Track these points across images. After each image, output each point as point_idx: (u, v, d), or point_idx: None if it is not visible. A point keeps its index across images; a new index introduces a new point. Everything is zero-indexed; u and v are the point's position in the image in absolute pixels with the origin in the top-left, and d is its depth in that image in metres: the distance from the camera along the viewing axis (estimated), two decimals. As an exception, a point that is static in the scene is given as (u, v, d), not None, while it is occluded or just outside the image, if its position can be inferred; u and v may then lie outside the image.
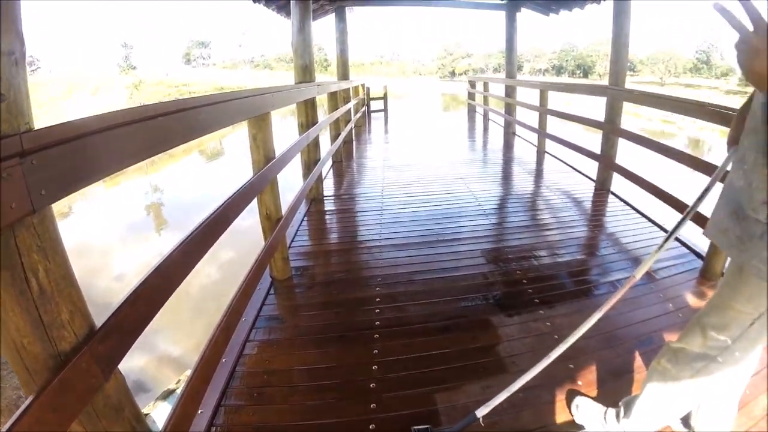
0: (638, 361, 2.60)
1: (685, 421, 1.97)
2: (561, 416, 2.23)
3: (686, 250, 4.03)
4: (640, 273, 1.81)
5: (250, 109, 2.84)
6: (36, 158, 1.02)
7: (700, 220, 3.36)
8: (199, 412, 2.19)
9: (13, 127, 0.99)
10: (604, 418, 2.07)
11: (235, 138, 25.37)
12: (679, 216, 3.90)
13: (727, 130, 1.99)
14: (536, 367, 1.90)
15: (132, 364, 5.77)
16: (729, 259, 1.55)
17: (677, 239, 4.23)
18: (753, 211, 1.28)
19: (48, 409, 1.02)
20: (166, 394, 4.90)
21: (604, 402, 2.18)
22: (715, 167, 3.37)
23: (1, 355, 1.05)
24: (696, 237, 3.93)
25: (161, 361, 6.11)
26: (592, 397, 2.27)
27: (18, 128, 1.01)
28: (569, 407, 2.25)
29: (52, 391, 1.02)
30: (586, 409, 2.17)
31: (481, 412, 1.96)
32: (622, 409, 2.00)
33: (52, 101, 43.23)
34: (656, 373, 1.77)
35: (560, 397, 2.32)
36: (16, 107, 1.01)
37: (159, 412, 4.60)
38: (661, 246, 1.79)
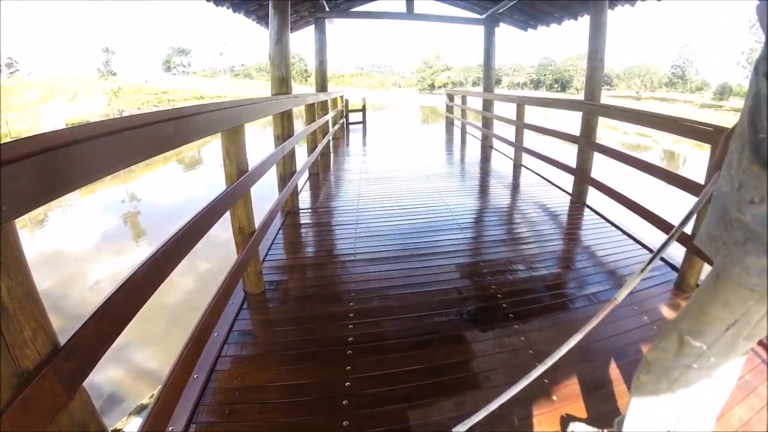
0: (614, 375, 2.61)
1: None
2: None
3: (661, 262, 4.07)
4: (621, 295, 1.82)
5: (222, 122, 2.80)
6: (-2, 173, 0.99)
7: (680, 237, 3.43)
8: (169, 429, 2.15)
9: (-26, 142, 0.97)
10: None
11: (215, 147, 25.33)
12: (655, 231, 3.98)
13: (702, 144, 2.03)
14: (516, 386, 1.89)
15: (105, 376, 5.68)
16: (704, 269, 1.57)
17: (651, 251, 4.28)
18: (739, 211, 1.30)
19: (11, 428, 1.00)
20: (140, 409, 4.83)
21: (595, 422, 2.18)
22: (690, 181, 3.46)
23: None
24: (671, 249, 3.95)
25: (136, 374, 6.02)
26: (584, 420, 2.26)
27: (-21, 143, 0.99)
28: (563, 428, 2.24)
29: (14, 410, 1.01)
30: None
31: (457, 429, 1.96)
32: (615, 428, 2.01)
33: (29, 105, 42.85)
34: (636, 389, 1.80)
35: (536, 413, 2.31)
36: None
37: (132, 428, 4.53)
38: (644, 269, 1.80)
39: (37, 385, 1.08)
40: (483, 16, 11.53)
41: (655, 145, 32.00)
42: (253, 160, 3.36)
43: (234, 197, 2.93)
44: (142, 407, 4.86)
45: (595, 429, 2.13)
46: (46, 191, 1.18)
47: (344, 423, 2.27)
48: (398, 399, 2.43)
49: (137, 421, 4.64)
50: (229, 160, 3.08)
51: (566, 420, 2.29)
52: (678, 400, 1.68)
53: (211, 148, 26.00)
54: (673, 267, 3.94)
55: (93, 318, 1.31)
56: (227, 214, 2.91)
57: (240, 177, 3.07)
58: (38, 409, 1.08)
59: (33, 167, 1.12)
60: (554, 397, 2.42)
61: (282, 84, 5.58)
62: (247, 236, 3.31)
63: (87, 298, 8.24)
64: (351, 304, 3.49)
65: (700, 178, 3.43)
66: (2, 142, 1.05)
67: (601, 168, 6.01)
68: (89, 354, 1.31)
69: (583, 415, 2.29)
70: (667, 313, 3.32)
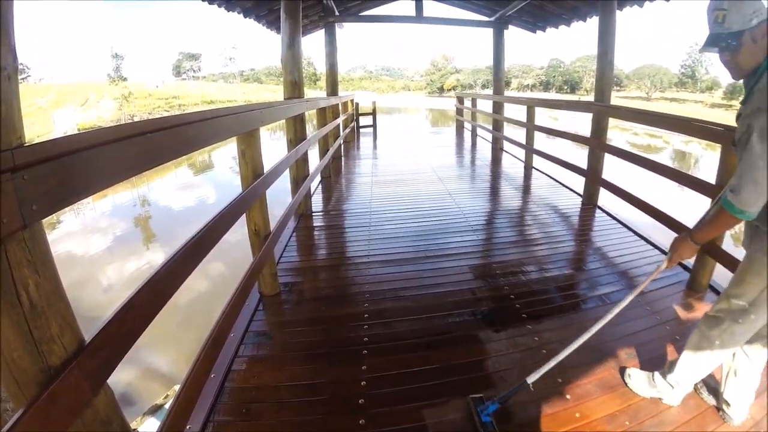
0: (626, 375, 2.61)
1: (715, 391, 2.38)
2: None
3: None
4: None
5: (239, 125, 2.85)
6: (27, 173, 1.03)
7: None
8: (188, 427, 2.18)
9: (5, 143, 1.00)
10: (653, 380, 2.42)
11: (225, 151, 25.43)
12: (667, 231, 3.98)
13: (713, 144, 2.49)
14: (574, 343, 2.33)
15: (117, 377, 5.70)
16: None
17: (664, 252, 4.28)
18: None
19: (37, 422, 1.02)
20: (154, 409, 4.85)
21: (610, 419, 2.31)
22: (700, 181, 3.48)
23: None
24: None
25: (147, 374, 6.04)
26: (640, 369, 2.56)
27: (10, 143, 1.02)
28: (623, 379, 2.55)
29: (41, 405, 1.03)
30: (636, 377, 2.51)
31: (531, 378, 2.26)
32: (666, 368, 2.39)
33: (41, 111, 42.95)
34: (695, 336, 2.23)
35: (547, 412, 2.32)
36: (9, 122, 1.02)
37: (146, 428, 4.56)
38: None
39: (63, 381, 1.10)
40: (492, 19, 11.44)
41: (665, 146, 31.80)
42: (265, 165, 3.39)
43: (250, 199, 2.97)
44: (157, 407, 4.89)
45: (647, 372, 2.50)
46: (74, 191, 1.22)
47: (360, 422, 2.29)
48: (414, 398, 2.45)
49: (151, 421, 4.68)
50: (245, 163, 3.12)
51: (624, 368, 2.62)
52: (725, 346, 2.12)
53: (220, 153, 26.09)
54: (684, 267, 3.92)
55: (117, 317, 1.34)
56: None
57: (256, 180, 3.10)
58: (64, 405, 1.11)
59: (61, 168, 1.16)
60: (568, 396, 2.43)
61: (294, 88, 5.58)
62: (262, 238, 3.34)
63: (100, 302, 8.27)
64: (365, 305, 3.51)
65: (710, 177, 3.44)
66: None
67: (612, 169, 5.99)
68: (113, 351, 1.34)
69: (599, 413, 2.31)
70: (680, 313, 3.31)
